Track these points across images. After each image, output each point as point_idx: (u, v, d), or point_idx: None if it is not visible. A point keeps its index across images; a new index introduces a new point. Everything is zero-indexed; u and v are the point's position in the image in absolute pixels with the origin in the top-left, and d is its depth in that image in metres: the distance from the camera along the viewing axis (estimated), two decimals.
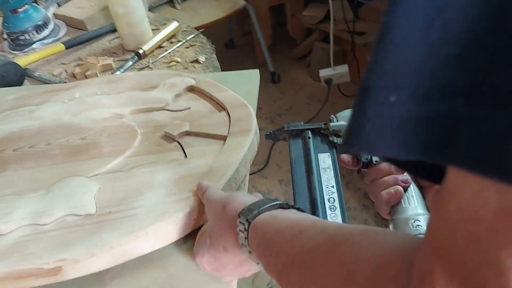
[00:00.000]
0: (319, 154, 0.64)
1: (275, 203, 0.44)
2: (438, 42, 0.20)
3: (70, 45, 1.09)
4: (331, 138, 0.65)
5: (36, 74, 1.00)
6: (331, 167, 0.62)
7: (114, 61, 1.06)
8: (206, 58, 1.02)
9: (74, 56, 1.11)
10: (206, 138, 0.70)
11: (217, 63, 1.02)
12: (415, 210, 0.52)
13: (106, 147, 0.70)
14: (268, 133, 0.71)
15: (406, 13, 0.21)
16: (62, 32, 1.20)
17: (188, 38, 1.12)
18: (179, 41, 1.12)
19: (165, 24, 1.17)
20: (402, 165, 0.27)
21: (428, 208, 0.53)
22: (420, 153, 0.21)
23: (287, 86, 2.55)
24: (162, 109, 0.78)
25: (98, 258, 0.53)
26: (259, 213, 0.43)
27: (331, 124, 0.65)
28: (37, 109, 0.80)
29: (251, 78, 0.91)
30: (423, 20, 0.20)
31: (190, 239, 0.58)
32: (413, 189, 0.54)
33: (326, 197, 0.59)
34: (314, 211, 0.57)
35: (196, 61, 1.01)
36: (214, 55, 1.05)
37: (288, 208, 0.45)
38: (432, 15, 0.20)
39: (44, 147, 0.72)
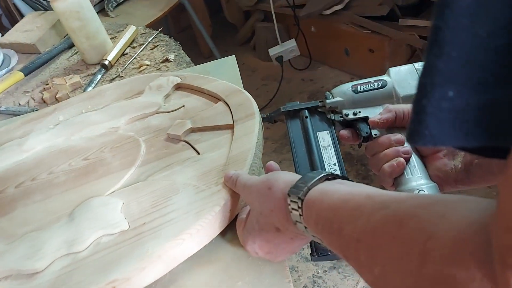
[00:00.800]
0: (318, 133, 0.64)
1: (321, 175, 0.44)
2: (487, 36, 0.21)
3: (29, 71, 1.04)
4: (328, 116, 0.65)
5: (3, 108, 0.95)
6: (331, 145, 0.62)
7: (80, 77, 1.01)
8: (175, 55, 1.00)
9: (35, 81, 1.05)
10: (212, 130, 0.70)
11: (187, 58, 1.01)
12: (419, 180, 0.53)
13: (113, 162, 0.68)
14: (265, 115, 0.70)
15: (454, 13, 0.22)
16: (14, 61, 1.13)
17: (150, 39, 1.09)
18: (141, 44, 1.09)
19: (121, 30, 1.13)
20: (468, 150, 0.28)
21: (431, 177, 0.54)
22: (484, 139, 0.22)
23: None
24: (156, 112, 0.76)
25: (149, 270, 0.52)
26: (309, 189, 0.43)
27: (328, 101, 0.65)
28: (25, 141, 0.76)
29: (229, 65, 0.91)
30: (470, 18, 0.22)
31: (228, 230, 0.58)
32: (414, 160, 0.55)
33: None
34: None
35: (166, 60, 0.99)
36: (182, 51, 1.03)
37: (334, 178, 0.45)
38: (478, 12, 0.21)
39: (47, 176, 0.69)
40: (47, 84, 1.01)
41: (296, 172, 0.60)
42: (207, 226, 0.54)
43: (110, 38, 1.11)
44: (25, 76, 1.03)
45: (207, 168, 0.63)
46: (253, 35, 2.63)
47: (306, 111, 0.66)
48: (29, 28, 1.19)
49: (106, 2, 1.97)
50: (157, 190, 0.61)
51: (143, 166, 0.67)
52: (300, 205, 0.43)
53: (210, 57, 2.66)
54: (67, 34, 1.14)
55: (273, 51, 2.24)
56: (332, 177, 0.45)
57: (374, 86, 0.63)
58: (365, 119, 0.62)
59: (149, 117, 0.76)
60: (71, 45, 1.15)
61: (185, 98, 0.78)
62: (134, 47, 1.09)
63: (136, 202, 0.60)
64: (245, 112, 0.69)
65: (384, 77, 0.63)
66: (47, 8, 1.47)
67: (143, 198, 0.60)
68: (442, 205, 0.30)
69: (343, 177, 0.46)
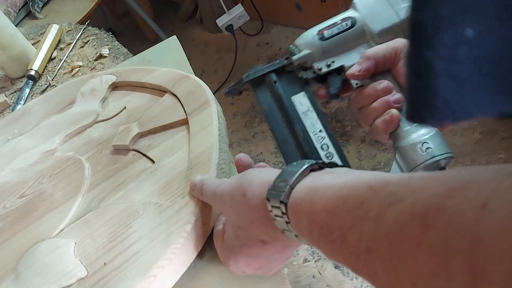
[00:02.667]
0: (292, 98, 0.53)
1: (304, 167, 0.34)
2: None
3: None
4: (299, 74, 0.54)
5: None
6: (311, 109, 0.52)
7: (6, 96, 0.88)
8: (110, 49, 0.88)
9: None
10: (164, 131, 0.59)
11: (124, 49, 0.88)
12: (418, 131, 0.45)
13: (55, 193, 0.57)
14: (227, 90, 0.58)
15: None
16: None
17: (77, 36, 0.95)
18: (69, 43, 0.95)
19: (43, 32, 0.99)
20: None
21: None
22: None
23: (190, 50, 2.40)
24: (95, 122, 0.65)
25: None
26: (291, 188, 0.33)
27: (294, 58, 0.53)
28: None
29: (171, 47, 0.79)
30: None
31: (206, 247, 0.48)
32: None
33: (318, 146, 0.50)
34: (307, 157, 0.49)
35: (100, 56, 0.86)
36: (117, 42, 0.91)
37: (320, 168, 0.36)
38: None
39: None
40: None
41: (281, 152, 0.51)
42: (181, 252, 0.44)
43: (33, 44, 0.96)
44: None
45: (167, 178, 0.52)
46: (196, 8, 2.48)
47: (273, 74, 0.54)
48: None
49: (31, 4, 1.78)
50: (113, 218, 0.50)
51: (92, 190, 0.56)
52: (284, 211, 0.33)
53: (157, 41, 2.49)
54: None
55: (222, 21, 2.10)
56: (318, 166, 0.35)
57: (343, 27, 0.52)
58: (341, 69, 0.53)
59: (88, 129, 0.64)
60: None
61: (125, 97, 0.67)
62: (61, 49, 0.95)
63: (91, 238, 0.49)
64: (198, 101, 0.58)
65: (351, 13, 0.53)
66: None
67: (98, 232, 0.50)
68: (475, 186, 0.20)
69: (331, 164, 0.36)
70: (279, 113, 0.53)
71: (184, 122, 0.58)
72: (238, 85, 0.57)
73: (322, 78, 0.54)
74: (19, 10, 1.78)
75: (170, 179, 0.52)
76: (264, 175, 0.38)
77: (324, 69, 0.52)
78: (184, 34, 2.51)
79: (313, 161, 0.35)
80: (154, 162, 0.55)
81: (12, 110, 0.83)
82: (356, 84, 0.50)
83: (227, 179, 0.43)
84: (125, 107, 0.64)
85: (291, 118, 0.52)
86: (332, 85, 0.52)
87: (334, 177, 0.32)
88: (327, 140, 0.50)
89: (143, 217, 0.49)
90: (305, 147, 0.50)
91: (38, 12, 1.80)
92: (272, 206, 0.34)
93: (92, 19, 1.85)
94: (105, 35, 0.94)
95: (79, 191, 0.56)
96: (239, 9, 2.07)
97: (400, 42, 0.49)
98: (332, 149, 0.50)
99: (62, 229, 0.52)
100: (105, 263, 0.46)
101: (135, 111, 0.63)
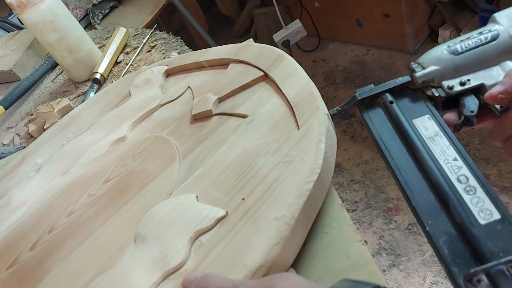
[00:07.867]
0: (414, 121, 0.43)
1: None
2: None
3: (9, 104, 0.86)
4: (424, 94, 0.44)
5: None
6: (441, 132, 0.41)
7: (70, 100, 0.85)
8: (178, 53, 0.84)
9: (18, 114, 0.88)
10: (243, 91, 0.56)
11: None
12: None
13: (147, 168, 0.53)
14: (336, 110, 0.48)
15: None
16: None
17: (144, 40, 0.92)
18: (136, 48, 0.92)
19: (109, 37, 0.97)
20: None
21: None
22: None
23: None
24: (161, 105, 0.62)
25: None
26: None
27: (417, 74, 0.43)
28: (9, 199, 0.59)
29: None
30: None
31: None
32: None
33: (453, 178, 0.37)
34: (446, 205, 0.36)
35: None
36: (186, 46, 0.87)
37: None
38: None
39: (69, 219, 0.52)
40: (32, 115, 0.84)
41: (402, 192, 0.39)
42: (323, 168, 0.42)
43: (98, 47, 0.94)
44: (6, 109, 0.85)
45: (270, 121, 0.50)
46: (251, 24, 2.46)
47: (387, 94, 0.45)
48: (2, 53, 1.01)
49: (91, 15, 1.82)
50: (230, 164, 0.47)
51: (188, 155, 0.52)
52: None
53: None
54: (48, 53, 0.99)
55: (278, 36, 2.05)
56: None
57: (482, 41, 0.42)
58: (478, 90, 0.42)
59: (155, 113, 0.61)
60: (55, 64, 0.98)
61: (185, 80, 0.65)
62: (127, 53, 0.92)
63: (214, 187, 0.46)
64: (270, 57, 0.57)
65: (491, 26, 0.43)
66: (21, 27, 1.31)
67: (219, 179, 0.46)
68: None
69: None
70: (398, 138, 0.42)
71: (263, 78, 0.56)
72: (349, 104, 0.47)
73: (452, 102, 0.43)
74: (79, 22, 1.83)
75: (275, 121, 0.49)
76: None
77: (457, 88, 0.42)
78: None
79: (374, 284, 0.28)
80: (245, 117, 0.52)
81: None
82: (501, 107, 0.40)
83: (246, 281, 0.34)
84: (188, 87, 0.62)
85: (414, 145, 0.41)
86: (466, 106, 0.41)
87: None
88: (465, 171, 0.38)
89: (264, 153, 0.46)
90: (433, 176, 0.38)
91: (97, 24, 1.83)
92: None
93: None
94: (174, 39, 0.91)
95: (174, 158, 0.52)
96: (297, 24, 2.02)
97: None
98: (473, 182, 0.37)
99: (172, 192, 0.48)
100: (243, 199, 0.43)
101: (202, 87, 0.61)
